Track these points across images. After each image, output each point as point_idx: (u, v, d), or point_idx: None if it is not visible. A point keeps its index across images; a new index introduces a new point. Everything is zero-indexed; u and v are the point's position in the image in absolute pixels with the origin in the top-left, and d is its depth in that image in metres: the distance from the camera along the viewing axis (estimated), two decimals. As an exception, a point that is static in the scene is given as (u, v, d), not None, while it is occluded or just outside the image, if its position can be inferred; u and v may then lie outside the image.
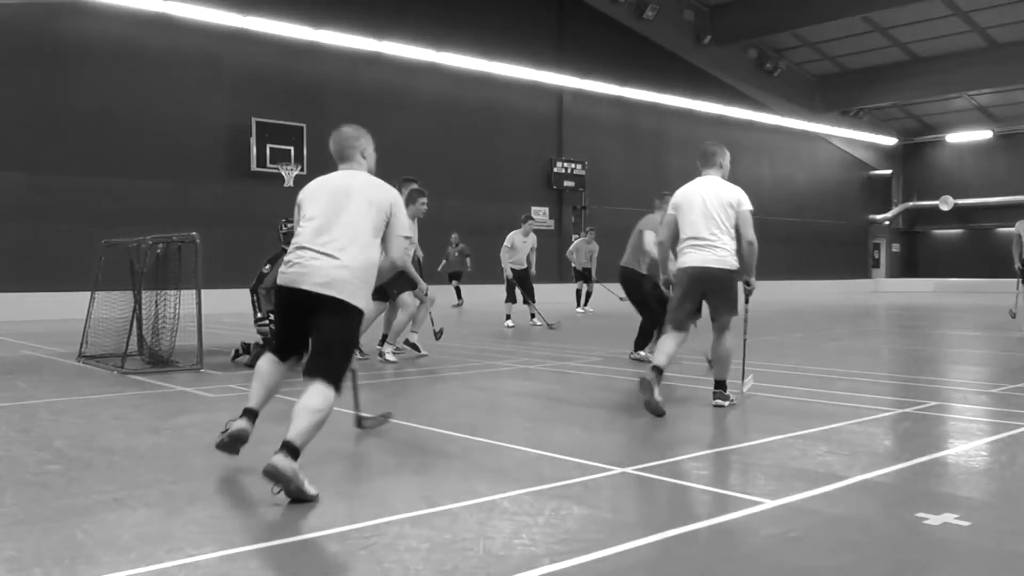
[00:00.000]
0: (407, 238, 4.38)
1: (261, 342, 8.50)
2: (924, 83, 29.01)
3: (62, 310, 14.69)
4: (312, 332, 4.13)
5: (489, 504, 3.68)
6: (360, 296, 4.16)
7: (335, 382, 3.98)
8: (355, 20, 19.45)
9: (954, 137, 34.72)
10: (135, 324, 8.76)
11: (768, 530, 3.43)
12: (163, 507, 3.65)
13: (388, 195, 4.34)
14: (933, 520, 3.43)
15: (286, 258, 4.31)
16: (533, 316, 14.25)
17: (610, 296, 18.21)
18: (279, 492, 3.64)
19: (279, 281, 4.31)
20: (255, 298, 8.57)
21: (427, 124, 21.19)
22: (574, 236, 21.16)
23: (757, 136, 29.29)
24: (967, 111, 33.01)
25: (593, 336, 12.73)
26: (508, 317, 14.03)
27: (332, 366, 4.02)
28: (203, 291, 8.34)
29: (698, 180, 6.29)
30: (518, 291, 14.24)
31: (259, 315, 8.45)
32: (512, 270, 14.27)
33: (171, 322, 8.34)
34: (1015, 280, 13.51)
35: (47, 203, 16.05)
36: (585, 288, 18.31)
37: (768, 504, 3.70)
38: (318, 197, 4.33)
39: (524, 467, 4.41)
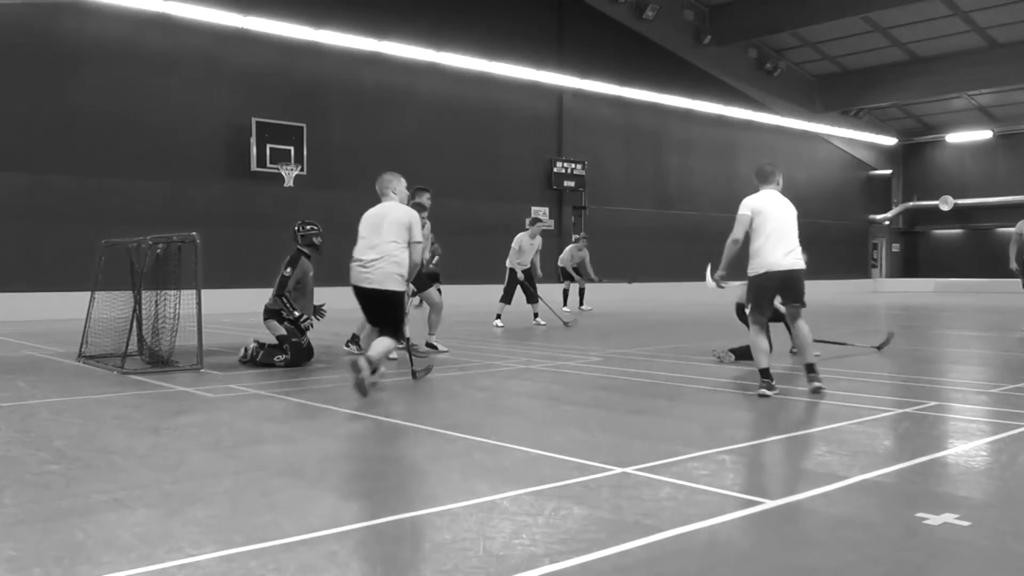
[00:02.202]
0: (419, 243, 6.87)
1: (276, 342, 8.67)
2: (924, 83, 28.96)
3: (62, 310, 14.69)
4: (376, 309, 6.83)
5: (489, 504, 3.68)
6: (396, 283, 6.77)
7: (395, 335, 6.76)
8: (355, 20, 19.44)
9: (954, 137, 34.69)
10: (135, 324, 8.76)
11: (768, 530, 3.43)
12: (163, 507, 3.65)
13: (408, 215, 6.89)
14: (933, 520, 3.43)
15: (351, 263, 6.80)
16: (536, 316, 14.27)
17: (608, 297, 18.26)
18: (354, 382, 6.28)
19: (352, 281, 6.80)
20: (285, 301, 8.73)
21: (427, 124, 21.18)
22: (573, 237, 21.20)
23: (757, 136, 29.27)
24: (967, 111, 32.99)
25: (593, 336, 12.73)
26: (498, 316, 14.06)
27: (390, 326, 6.77)
28: (203, 291, 8.35)
29: (766, 193, 7.01)
30: (518, 294, 14.23)
31: (297, 314, 8.70)
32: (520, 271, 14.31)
33: (171, 322, 8.35)
34: (1018, 281, 13.45)
35: (47, 203, 16.04)
36: (578, 287, 18.44)
37: (768, 504, 3.70)
38: (366, 223, 6.94)
39: (524, 467, 4.41)
